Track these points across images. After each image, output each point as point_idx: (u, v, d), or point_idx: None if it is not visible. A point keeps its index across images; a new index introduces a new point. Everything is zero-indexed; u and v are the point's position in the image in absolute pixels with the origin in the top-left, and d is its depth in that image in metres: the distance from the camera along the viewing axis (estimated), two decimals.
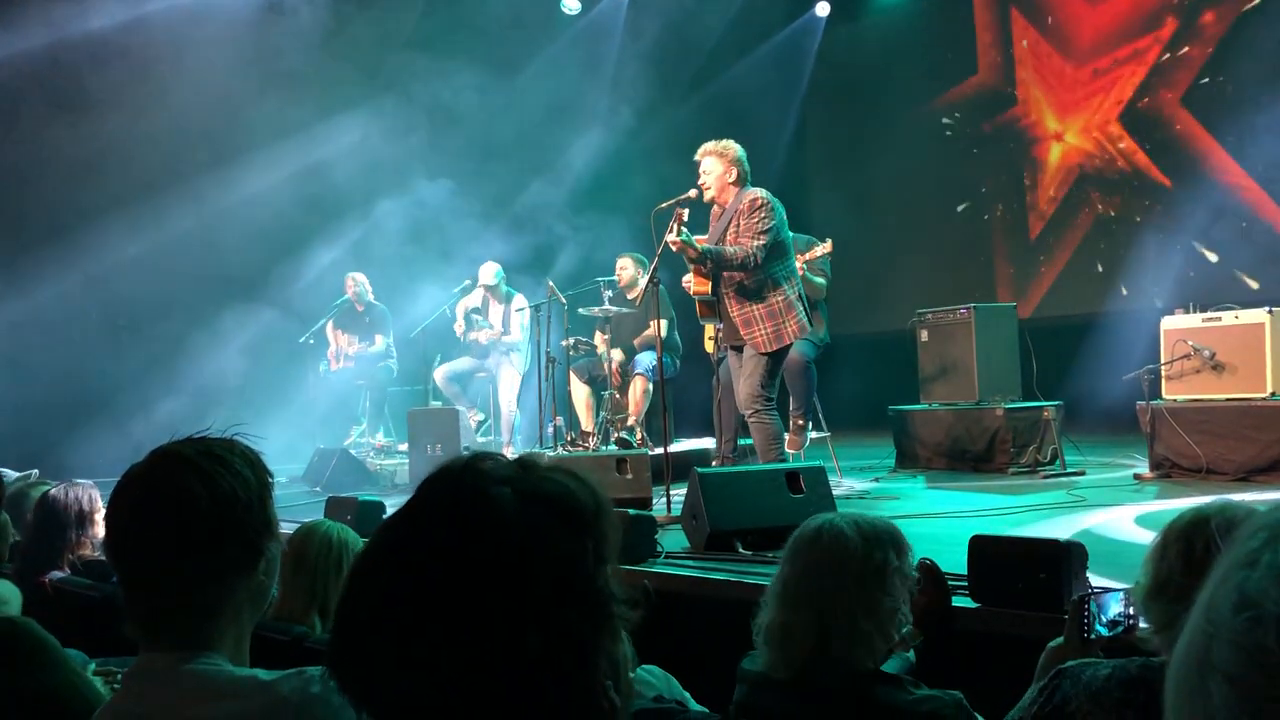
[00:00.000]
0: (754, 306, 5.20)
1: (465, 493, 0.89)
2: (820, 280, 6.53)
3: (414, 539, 0.87)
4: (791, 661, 1.96)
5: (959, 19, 10.47)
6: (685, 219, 5.21)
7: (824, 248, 6.52)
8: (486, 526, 0.86)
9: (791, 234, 6.60)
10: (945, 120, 10.62)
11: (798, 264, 5.90)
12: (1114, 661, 1.82)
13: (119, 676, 2.16)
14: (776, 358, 5.27)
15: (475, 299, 8.45)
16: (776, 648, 1.98)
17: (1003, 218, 10.21)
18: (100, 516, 3.69)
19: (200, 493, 1.34)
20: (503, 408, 8.23)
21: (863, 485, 6.23)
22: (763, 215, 5.15)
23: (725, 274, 5.24)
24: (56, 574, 3.49)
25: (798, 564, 2.01)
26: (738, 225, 5.19)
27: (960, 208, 10.56)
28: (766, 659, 2.00)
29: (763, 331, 5.19)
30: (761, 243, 5.10)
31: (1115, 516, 4.54)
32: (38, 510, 3.63)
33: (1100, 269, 9.46)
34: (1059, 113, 9.70)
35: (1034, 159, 9.94)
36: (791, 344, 5.31)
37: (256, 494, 1.39)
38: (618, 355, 7.52)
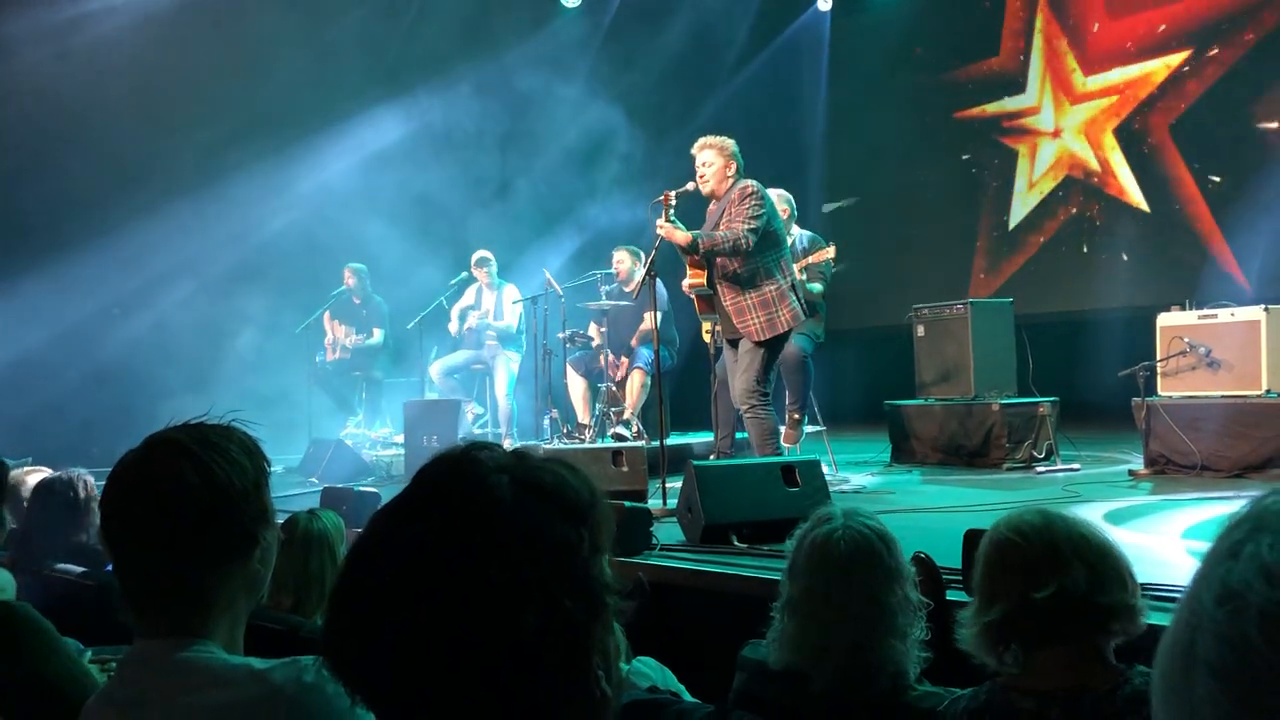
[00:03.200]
0: (747, 295, 5.20)
1: (463, 480, 0.89)
2: (816, 286, 6.50)
3: (412, 525, 0.87)
4: (819, 664, 1.95)
5: (966, 7, 10.43)
6: (673, 202, 5.20)
7: (827, 252, 6.51)
8: (484, 513, 0.87)
9: (800, 230, 6.63)
10: (947, 112, 10.59)
11: (797, 268, 5.89)
12: (968, 691, 1.86)
13: (114, 665, 2.16)
14: (772, 350, 5.27)
15: (469, 297, 8.45)
16: (808, 653, 1.96)
17: (1001, 213, 10.20)
18: (96, 504, 3.69)
19: (195, 480, 1.34)
20: (499, 400, 8.23)
21: (859, 479, 6.23)
22: (753, 203, 5.16)
23: (718, 262, 5.23)
24: (52, 562, 3.49)
25: (813, 578, 1.98)
26: (729, 214, 5.20)
27: (959, 202, 10.55)
28: (787, 659, 1.98)
29: (756, 320, 5.19)
30: (752, 227, 5.10)
31: (1110, 512, 4.54)
32: (34, 498, 3.63)
33: (1096, 266, 9.46)
34: (1061, 112, 9.68)
35: (1032, 154, 9.93)
36: (786, 333, 5.31)
37: (253, 482, 1.39)
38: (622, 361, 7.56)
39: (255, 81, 8.90)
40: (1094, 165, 9.47)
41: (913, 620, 1.98)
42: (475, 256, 8.35)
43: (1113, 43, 9.31)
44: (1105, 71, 9.38)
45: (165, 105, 8.56)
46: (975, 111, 10.37)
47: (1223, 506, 4.49)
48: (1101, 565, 1.76)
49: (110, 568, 1.41)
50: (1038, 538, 1.78)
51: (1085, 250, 9.56)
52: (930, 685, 2.01)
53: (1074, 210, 9.66)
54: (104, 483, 1.43)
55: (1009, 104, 10.10)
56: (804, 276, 6.24)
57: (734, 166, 5.32)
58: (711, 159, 5.32)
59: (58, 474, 3.76)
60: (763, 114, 10.70)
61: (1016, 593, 1.75)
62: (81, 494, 3.61)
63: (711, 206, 5.44)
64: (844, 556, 1.98)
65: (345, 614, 0.87)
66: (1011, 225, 10.13)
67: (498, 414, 8.26)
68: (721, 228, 5.20)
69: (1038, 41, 9.83)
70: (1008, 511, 1.92)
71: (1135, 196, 9.22)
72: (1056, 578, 1.73)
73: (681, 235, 5.14)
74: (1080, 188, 9.61)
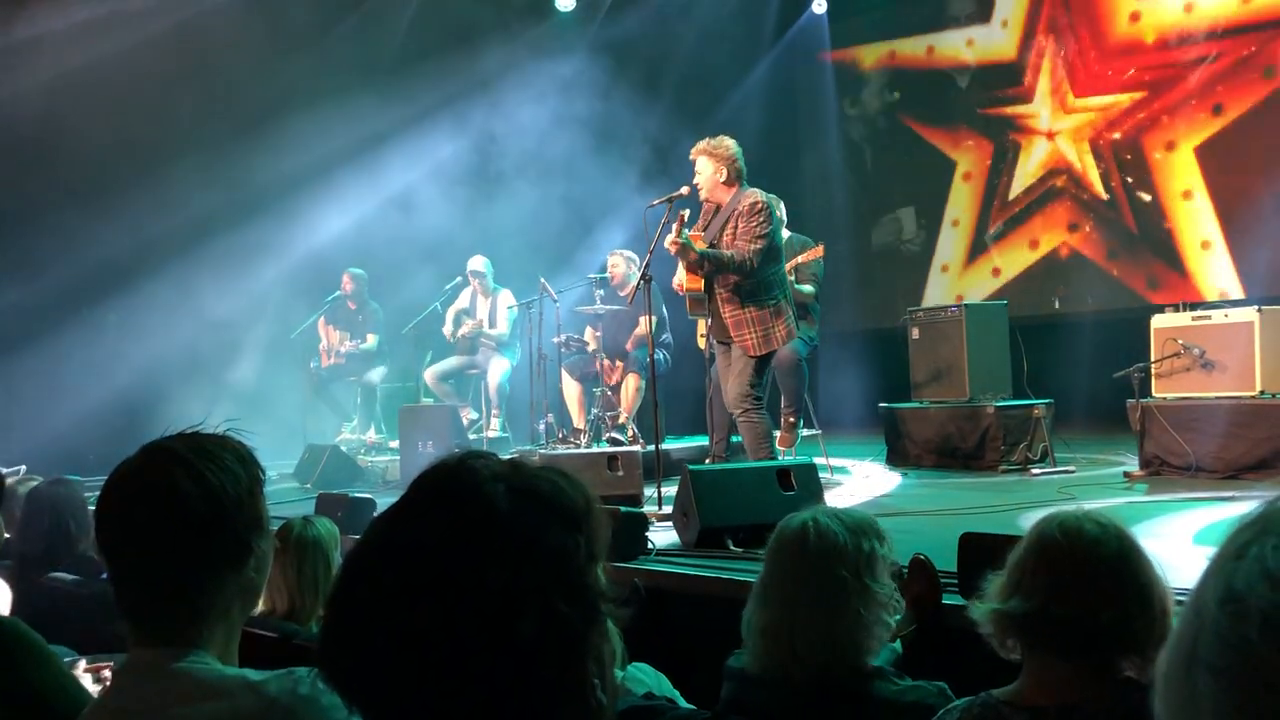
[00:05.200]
0: (745, 310, 5.22)
1: (460, 488, 0.89)
2: (808, 288, 6.50)
3: (409, 531, 0.88)
4: (788, 659, 1.95)
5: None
6: (686, 220, 5.20)
7: (816, 252, 6.51)
8: (482, 519, 0.87)
9: (790, 233, 6.63)
10: (945, 114, 10.58)
11: (788, 268, 5.90)
12: (961, 703, 1.82)
13: (108, 674, 2.15)
14: (764, 358, 5.29)
15: (464, 300, 8.44)
16: (772, 646, 1.97)
17: (995, 213, 10.20)
18: (87, 512, 3.68)
19: (190, 488, 1.34)
20: (490, 384, 8.22)
21: (856, 483, 6.23)
22: (761, 219, 5.16)
23: (719, 274, 5.24)
24: (47, 571, 3.48)
25: (791, 563, 2.00)
26: (735, 226, 5.20)
27: (954, 202, 10.55)
28: (760, 658, 2.00)
29: (753, 335, 5.21)
30: (759, 247, 5.12)
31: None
32: (26, 507, 3.61)
33: (1090, 268, 9.46)
34: (1059, 113, 9.66)
35: (1024, 151, 9.91)
36: (779, 348, 5.34)
37: (247, 490, 1.39)
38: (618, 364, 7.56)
39: (247, 80, 8.88)
40: (1080, 170, 9.47)
41: (875, 613, 1.96)
42: (470, 263, 8.35)
43: (1122, 49, 9.27)
44: (1091, 97, 9.40)
45: (155, 105, 8.53)
46: (980, 111, 10.33)
47: (1218, 508, 4.50)
48: (1135, 604, 1.67)
49: (106, 577, 1.40)
50: (1083, 550, 1.69)
51: (1078, 252, 9.56)
52: (910, 680, 2.02)
53: (1062, 211, 9.65)
54: (98, 491, 1.42)
55: (1014, 109, 10.06)
56: (794, 277, 6.25)
57: (726, 172, 5.30)
58: (703, 165, 5.33)
59: (46, 482, 3.75)
60: (763, 116, 10.68)
61: (1039, 597, 1.67)
62: (73, 503, 3.60)
63: (708, 206, 5.44)
64: (797, 543, 2.00)
65: (342, 620, 0.87)
66: (1005, 224, 10.12)
67: (488, 393, 8.22)
68: (726, 239, 5.21)
69: (1045, 64, 9.77)
70: (1070, 506, 1.84)
71: (1117, 203, 9.23)
72: (1079, 601, 1.65)
73: (690, 254, 5.14)
74: (1070, 191, 9.60)
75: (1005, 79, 10.07)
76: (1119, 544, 1.71)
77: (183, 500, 1.33)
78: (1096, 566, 1.68)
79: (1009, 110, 10.04)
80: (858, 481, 6.34)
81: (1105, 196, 9.37)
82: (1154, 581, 1.71)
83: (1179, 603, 1.80)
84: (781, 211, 6.54)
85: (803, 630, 1.94)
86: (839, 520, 2.03)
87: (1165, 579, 1.73)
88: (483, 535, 0.86)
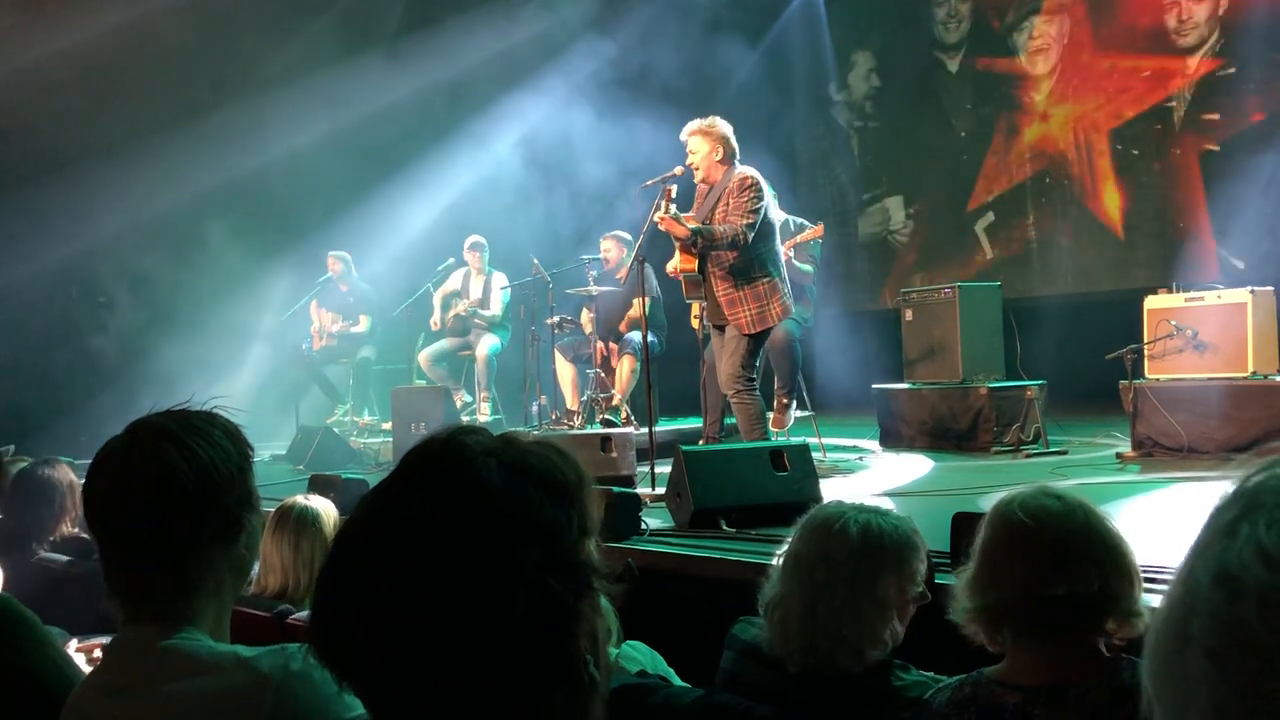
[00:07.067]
0: (739, 288, 5.19)
1: (451, 463, 0.89)
2: (808, 267, 6.52)
3: (400, 507, 0.87)
4: (783, 640, 1.95)
5: None
6: (673, 196, 5.18)
7: (814, 232, 6.51)
8: (473, 495, 0.86)
9: (785, 216, 6.61)
10: (939, 95, 10.55)
11: (786, 249, 5.88)
12: (953, 681, 1.81)
13: (99, 653, 2.15)
14: (758, 338, 5.28)
15: (454, 283, 8.41)
16: (772, 623, 1.97)
17: (989, 196, 10.19)
18: (76, 492, 3.67)
19: (179, 464, 1.33)
20: (478, 360, 8.19)
21: (848, 466, 6.23)
22: (751, 195, 5.13)
23: (713, 253, 5.22)
24: (37, 550, 3.47)
25: (800, 546, 1.98)
26: (727, 204, 5.18)
27: (948, 186, 10.53)
28: (765, 632, 2.00)
29: (747, 313, 5.19)
30: (750, 222, 5.09)
31: (1097, 494, 4.55)
32: (15, 488, 3.60)
33: (1081, 249, 9.47)
34: (1057, 96, 9.63)
35: (1017, 134, 9.89)
36: (774, 325, 5.32)
37: (237, 466, 1.38)
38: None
39: (247, 46, 8.83)
40: (1073, 153, 9.45)
41: (880, 617, 1.93)
42: (469, 241, 8.31)
43: (1125, 39, 9.22)
44: (1086, 80, 9.34)
45: (147, 74, 8.48)
46: (971, 93, 10.30)
47: (1209, 488, 4.51)
48: (1112, 567, 1.67)
49: (97, 558, 1.39)
50: (1055, 528, 1.68)
51: (1070, 233, 9.56)
52: (918, 673, 2.00)
53: (1057, 195, 9.65)
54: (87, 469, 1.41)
55: (1006, 91, 10.01)
56: (791, 254, 6.24)
57: (721, 151, 5.28)
58: (697, 145, 5.29)
59: (36, 462, 3.73)
60: (762, 99, 10.64)
61: (1021, 583, 1.66)
62: (63, 483, 3.59)
63: (702, 188, 5.42)
64: (808, 528, 1.98)
65: (333, 595, 0.87)
66: (1000, 211, 10.11)
67: (476, 371, 8.20)
68: (718, 217, 5.18)
69: (1039, 46, 9.70)
70: (1021, 486, 1.80)
71: (1110, 185, 9.23)
72: (1067, 578, 1.65)
73: (681, 229, 5.11)
74: (1062, 173, 9.58)
75: (999, 61, 10.04)
76: (1084, 513, 1.72)
77: (173, 476, 1.32)
78: (1070, 542, 1.68)
79: (1001, 92, 10.02)
80: (875, 464, 6.30)
81: (1100, 179, 9.36)
82: (1120, 541, 1.72)
83: (1154, 578, 1.80)
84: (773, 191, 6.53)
85: (794, 611, 1.93)
86: (864, 530, 1.94)
87: (1125, 537, 1.74)
88: (474, 510, 0.85)
